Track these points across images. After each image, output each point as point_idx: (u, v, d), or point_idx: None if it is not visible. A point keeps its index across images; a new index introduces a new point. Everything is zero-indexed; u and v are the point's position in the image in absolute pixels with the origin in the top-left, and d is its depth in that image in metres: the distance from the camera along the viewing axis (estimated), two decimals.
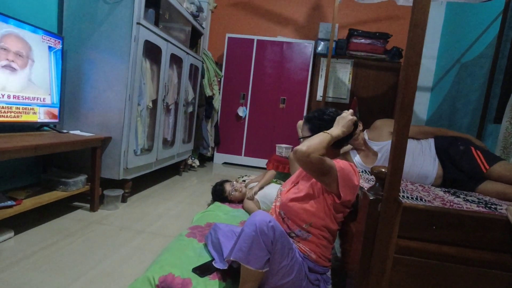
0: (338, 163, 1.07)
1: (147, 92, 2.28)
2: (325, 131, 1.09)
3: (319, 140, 1.04)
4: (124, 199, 2.14)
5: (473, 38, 2.85)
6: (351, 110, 1.18)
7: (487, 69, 2.51)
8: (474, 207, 1.05)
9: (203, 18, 3.25)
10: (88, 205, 1.95)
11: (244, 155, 4.06)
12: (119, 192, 2.02)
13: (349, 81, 3.69)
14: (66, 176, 1.83)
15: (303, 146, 1.02)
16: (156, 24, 2.32)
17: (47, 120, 1.83)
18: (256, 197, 2.08)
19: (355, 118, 1.17)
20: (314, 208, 1.11)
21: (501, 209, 1.06)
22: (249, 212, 2.01)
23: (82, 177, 1.88)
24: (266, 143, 3.96)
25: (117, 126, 2.00)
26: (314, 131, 1.17)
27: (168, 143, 2.85)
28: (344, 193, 1.06)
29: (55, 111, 1.88)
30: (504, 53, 2.37)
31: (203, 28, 3.32)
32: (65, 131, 1.94)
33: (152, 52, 2.35)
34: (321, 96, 3.61)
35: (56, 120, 1.90)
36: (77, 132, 1.97)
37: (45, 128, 1.89)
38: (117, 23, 1.93)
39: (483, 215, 0.88)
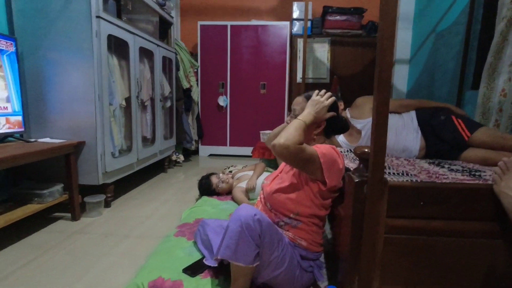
0: (320, 149, 1.03)
1: (118, 90, 2.15)
2: (299, 118, 1.07)
3: (295, 129, 1.02)
4: (107, 204, 2.06)
5: (447, 6, 2.83)
6: (323, 91, 1.13)
7: (462, 37, 2.50)
8: (459, 176, 1.04)
9: (170, 7, 3.09)
10: (69, 215, 1.86)
11: (229, 145, 4.00)
12: (100, 197, 1.93)
13: (328, 60, 3.64)
14: (40, 188, 1.72)
15: (281, 138, 0.98)
16: (119, 16, 2.16)
17: (10, 130, 1.70)
18: (245, 186, 2.05)
19: (332, 100, 1.12)
20: (300, 197, 1.07)
21: (485, 175, 1.06)
22: (238, 202, 1.98)
23: (58, 187, 1.78)
24: (250, 130, 3.90)
25: (90, 129, 1.88)
26: None
27: (148, 141, 2.74)
28: (329, 179, 1.03)
29: (19, 119, 1.75)
30: (478, 19, 2.36)
31: (172, 17, 3.16)
32: (33, 139, 1.81)
33: (118, 47, 2.20)
34: (301, 78, 3.55)
35: (21, 129, 1.77)
36: (47, 139, 1.84)
37: (10, 138, 1.76)
38: (74, 18, 1.78)
39: (468, 186, 0.87)
